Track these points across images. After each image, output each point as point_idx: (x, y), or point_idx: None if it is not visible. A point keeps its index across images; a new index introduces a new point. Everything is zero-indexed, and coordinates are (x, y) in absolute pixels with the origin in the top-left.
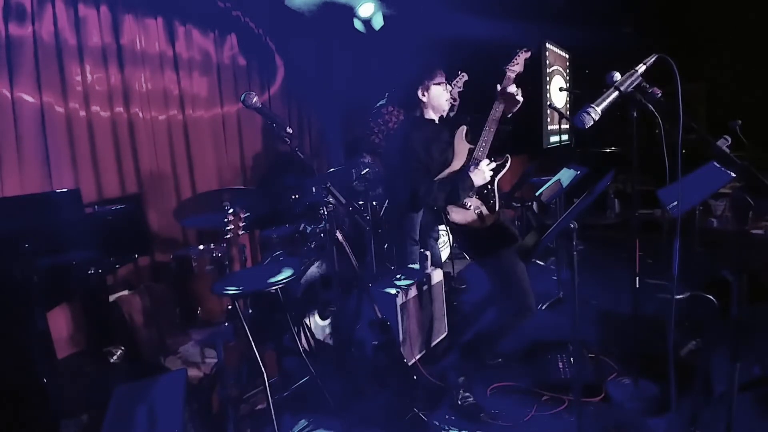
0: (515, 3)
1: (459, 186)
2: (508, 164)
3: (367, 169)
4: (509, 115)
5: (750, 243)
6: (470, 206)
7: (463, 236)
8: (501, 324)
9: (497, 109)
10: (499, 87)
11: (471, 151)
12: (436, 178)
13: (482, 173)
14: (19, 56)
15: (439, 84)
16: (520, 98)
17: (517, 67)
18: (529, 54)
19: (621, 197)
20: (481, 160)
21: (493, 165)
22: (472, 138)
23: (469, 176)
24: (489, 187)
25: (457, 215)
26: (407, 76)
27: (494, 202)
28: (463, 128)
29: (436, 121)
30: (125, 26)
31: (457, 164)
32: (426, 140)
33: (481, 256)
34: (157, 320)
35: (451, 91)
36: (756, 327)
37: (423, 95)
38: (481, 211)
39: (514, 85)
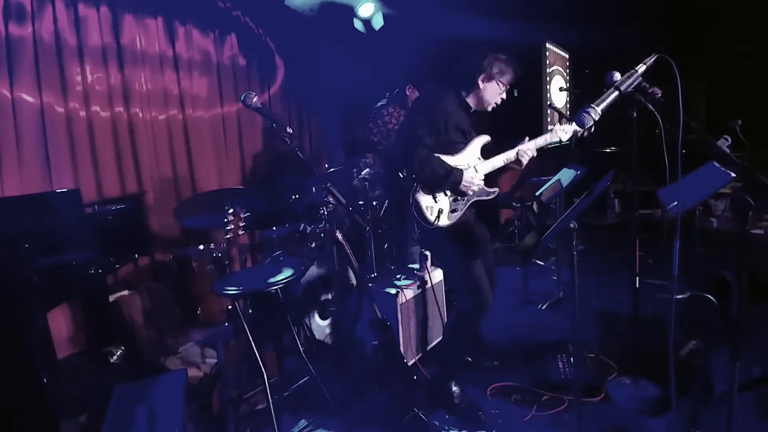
0: (515, 3)
1: (450, 176)
2: (490, 197)
3: (367, 169)
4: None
5: (750, 243)
6: (438, 200)
7: (427, 235)
8: (459, 327)
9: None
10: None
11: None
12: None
13: (471, 182)
14: (19, 56)
15: (502, 83)
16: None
17: (564, 135)
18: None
19: (621, 197)
20: (479, 172)
21: (478, 188)
22: (486, 154)
23: (462, 174)
24: (464, 200)
25: (422, 197)
26: (476, 55)
27: (456, 213)
28: (486, 138)
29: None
30: (125, 26)
31: (456, 160)
32: (453, 113)
33: (441, 257)
34: (157, 320)
35: (502, 96)
36: (756, 327)
37: (482, 83)
38: (441, 211)
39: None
